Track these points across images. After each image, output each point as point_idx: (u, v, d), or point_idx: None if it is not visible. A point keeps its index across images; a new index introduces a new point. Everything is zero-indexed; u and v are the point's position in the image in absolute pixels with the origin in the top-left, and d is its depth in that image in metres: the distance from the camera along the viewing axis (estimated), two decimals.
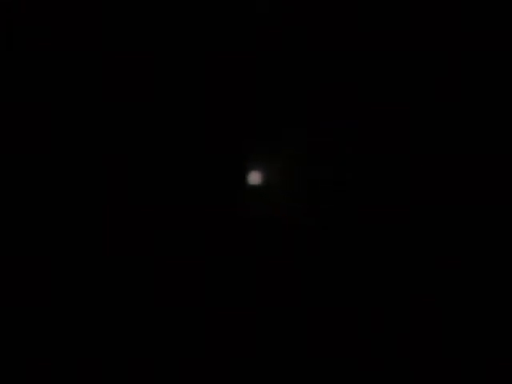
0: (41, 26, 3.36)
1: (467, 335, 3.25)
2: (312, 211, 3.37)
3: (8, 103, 3.36)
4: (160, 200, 3.35)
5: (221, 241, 3.35)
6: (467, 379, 3.22)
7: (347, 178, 3.37)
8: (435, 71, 3.39)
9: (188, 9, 3.39)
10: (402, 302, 3.30)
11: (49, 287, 3.29)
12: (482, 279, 3.29)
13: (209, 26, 3.40)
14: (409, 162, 3.37)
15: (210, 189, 3.37)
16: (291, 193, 3.39)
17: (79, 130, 3.37)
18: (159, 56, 3.39)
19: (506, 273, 3.28)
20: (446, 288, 3.29)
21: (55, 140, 3.36)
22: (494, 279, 3.29)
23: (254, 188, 3.38)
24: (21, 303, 3.27)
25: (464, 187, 3.34)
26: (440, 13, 3.38)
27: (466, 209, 3.33)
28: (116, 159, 3.36)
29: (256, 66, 3.41)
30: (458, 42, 3.38)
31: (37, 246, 3.31)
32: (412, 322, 3.28)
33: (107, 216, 3.33)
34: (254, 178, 3.39)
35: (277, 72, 3.41)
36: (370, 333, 3.28)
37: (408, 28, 3.39)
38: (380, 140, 3.39)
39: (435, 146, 3.37)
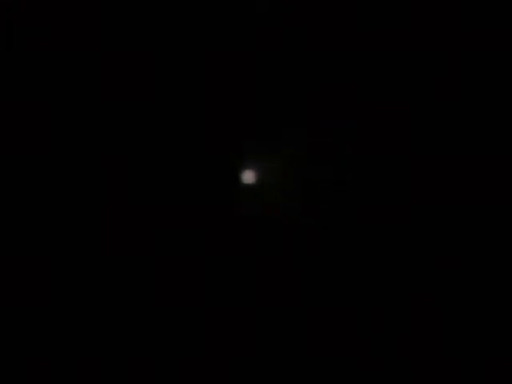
0: (41, 26, 3.37)
1: (467, 335, 3.25)
2: (312, 211, 3.37)
3: (8, 103, 3.36)
4: (155, 199, 3.35)
5: (217, 240, 3.35)
6: (467, 379, 3.21)
7: (347, 177, 3.37)
8: (435, 71, 3.39)
9: (188, 9, 3.40)
10: (402, 302, 3.30)
11: (49, 287, 3.29)
12: (482, 279, 3.29)
13: (209, 25, 3.40)
14: (409, 162, 3.37)
15: (209, 188, 3.37)
16: (291, 193, 3.38)
17: (79, 129, 3.37)
18: (159, 56, 3.40)
19: (506, 273, 3.28)
20: (446, 288, 3.29)
21: (55, 140, 3.36)
22: (494, 279, 3.28)
23: (253, 187, 3.38)
24: (21, 303, 3.27)
25: (464, 187, 3.34)
26: (440, 13, 3.39)
27: (466, 209, 3.33)
28: (114, 158, 3.37)
29: (256, 66, 3.41)
30: (458, 42, 3.38)
31: (37, 246, 3.31)
32: (412, 321, 3.28)
33: (105, 214, 3.33)
34: (254, 177, 3.39)
35: (277, 72, 3.41)
36: (370, 333, 3.28)
37: (408, 28, 3.39)
38: (380, 140, 3.39)
39: (435, 146, 3.37)
